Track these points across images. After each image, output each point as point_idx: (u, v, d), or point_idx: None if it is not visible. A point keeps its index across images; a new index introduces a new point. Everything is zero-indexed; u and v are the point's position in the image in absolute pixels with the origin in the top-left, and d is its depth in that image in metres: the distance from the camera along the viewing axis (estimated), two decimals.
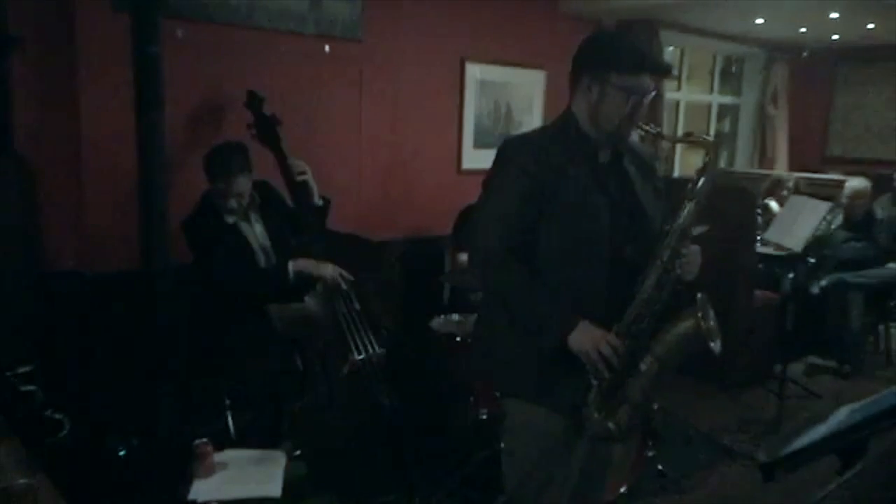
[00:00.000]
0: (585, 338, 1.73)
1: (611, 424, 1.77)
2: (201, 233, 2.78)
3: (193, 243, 2.80)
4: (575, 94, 1.88)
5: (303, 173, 2.96)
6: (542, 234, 1.80)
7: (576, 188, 1.79)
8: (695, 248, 1.85)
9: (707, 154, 1.82)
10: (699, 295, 1.77)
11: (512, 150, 1.87)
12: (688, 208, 1.79)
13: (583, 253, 1.79)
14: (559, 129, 1.90)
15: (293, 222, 2.99)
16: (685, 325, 1.75)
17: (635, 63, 1.79)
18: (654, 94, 1.85)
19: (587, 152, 1.85)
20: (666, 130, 5.89)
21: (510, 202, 1.81)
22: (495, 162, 1.89)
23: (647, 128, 1.86)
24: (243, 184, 2.79)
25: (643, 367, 1.75)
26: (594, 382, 1.76)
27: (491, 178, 1.91)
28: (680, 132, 6.54)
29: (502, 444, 2.02)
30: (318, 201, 3.02)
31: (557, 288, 1.79)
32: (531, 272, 1.80)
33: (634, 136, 1.95)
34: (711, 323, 1.77)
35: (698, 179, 1.80)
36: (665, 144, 6.10)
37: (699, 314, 1.73)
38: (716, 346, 1.75)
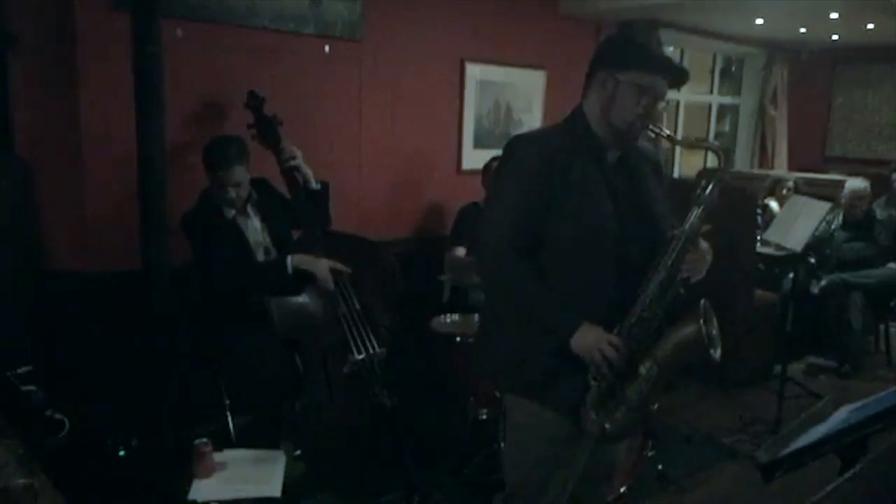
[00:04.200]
0: (588, 338, 1.73)
1: (607, 425, 1.76)
2: (200, 227, 2.79)
3: (193, 238, 2.81)
4: (588, 92, 1.87)
5: (293, 158, 2.96)
6: (548, 234, 1.78)
7: (583, 188, 1.77)
8: (704, 247, 1.84)
9: (718, 160, 1.82)
10: (703, 301, 1.76)
11: (519, 147, 1.86)
12: (695, 213, 1.78)
13: (588, 253, 1.77)
14: (568, 127, 1.88)
15: (293, 216, 3.00)
16: (687, 331, 1.74)
17: (655, 63, 1.79)
18: (666, 102, 1.86)
19: (595, 152, 1.84)
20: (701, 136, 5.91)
21: (517, 200, 1.80)
22: (502, 159, 1.88)
23: (659, 130, 1.84)
24: (241, 174, 2.80)
25: (643, 370, 1.74)
26: (593, 383, 1.76)
27: (497, 176, 1.90)
28: (680, 132, 6.55)
29: (503, 442, 2.03)
30: (316, 185, 3.02)
31: (563, 287, 1.78)
32: (536, 271, 1.79)
33: (643, 138, 1.93)
34: (714, 331, 1.75)
35: (707, 185, 1.79)
36: (665, 145, 6.11)
37: (701, 321, 1.72)
38: (716, 353, 1.74)
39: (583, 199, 1.77)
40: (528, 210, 1.78)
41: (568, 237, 1.77)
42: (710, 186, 1.78)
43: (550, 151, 1.79)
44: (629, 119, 1.79)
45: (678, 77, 1.86)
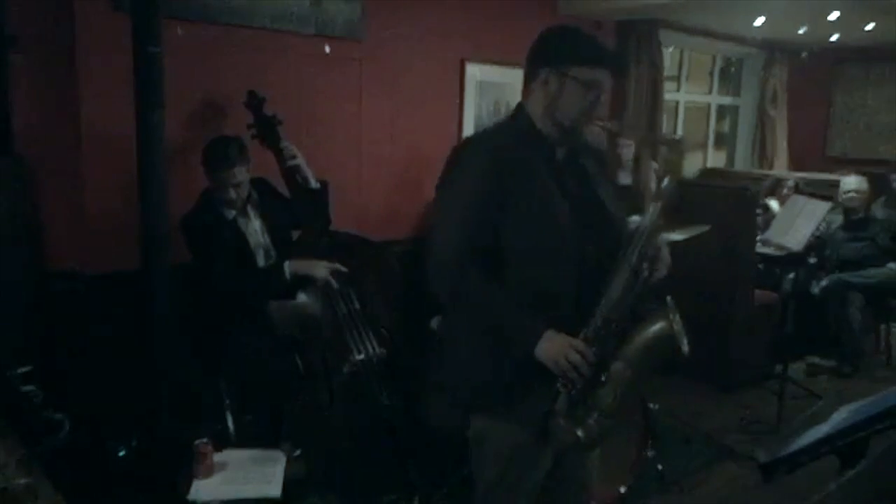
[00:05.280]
0: (552, 346, 1.67)
1: (579, 432, 1.70)
2: (200, 230, 2.79)
3: (192, 240, 2.81)
4: (530, 90, 1.82)
5: (293, 157, 2.96)
6: (503, 238, 1.72)
7: (535, 188, 1.72)
8: (662, 246, 1.80)
9: (672, 153, 1.79)
10: (668, 298, 1.73)
11: (466, 152, 1.80)
12: (653, 209, 1.74)
13: (547, 255, 1.72)
14: (513, 127, 1.83)
15: (293, 216, 3.00)
16: (656, 328, 1.71)
17: (597, 56, 1.75)
18: (607, 91, 1.78)
19: (544, 151, 1.79)
20: (666, 131, 5.90)
21: (467, 208, 1.74)
22: (448, 166, 1.84)
23: (604, 124, 1.79)
24: (242, 174, 2.81)
25: (613, 372, 1.70)
26: (562, 391, 1.70)
27: (445, 184, 1.85)
28: (680, 132, 6.54)
29: (471, 458, 1.94)
30: (315, 184, 3.02)
31: (523, 292, 1.72)
32: (493, 279, 1.73)
33: (591, 133, 1.88)
34: (680, 326, 1.72)
35: (663, 178, 1.76)
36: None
37: (670, 316, 1.70)
38: (684, 347, 1.72)
39: (536, 199, 1.72)
40: (479, 216, 1.72)
41: (525, 240, 1.72)
42: (666, 180, 1.76)
43: (498, 154, 1.74)
44: (575, 115, 1.76)
45: (620, 68, 1.82)
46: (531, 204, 1.72)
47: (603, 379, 1.70)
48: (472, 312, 1.79)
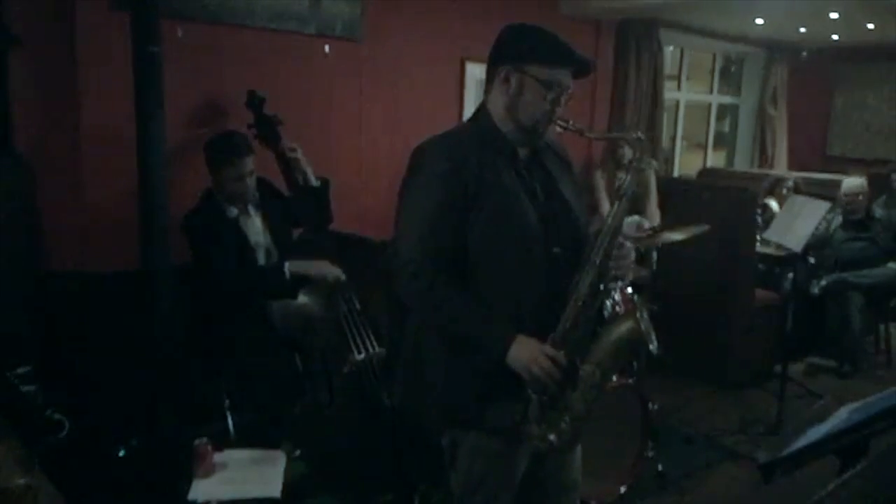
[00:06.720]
0: (523, 353, 1.64)
1: (552, 437, 1.68)
2: (202, 229, 2.79)
3: (194, 239, 2.81)
4: (491, 89, 1.78)
5: (293, 150, 2.97)
6: (469, 242, 1.68)
7: (500, 191, 1.68)
8: (626, 245, 1.77)
9: (633, 150, 1.75)
10: (635, 296, 1.73)
11: (427, 155, 1.74)
12: (616, 207, 1.72)
13: (514, 257, 1.68)
14: (474, 128, 1.79)
15: (294, 215, 3.01)
16: (624, 328, 1.70)
17: (558, 55, 1.71)
18: (570, 91, 1.74)
19: (507, 152, 1.75)
20: (665, 130, 5.91)
21: (430, 212, 1.68)
22: (410, 170, 1.75)
23: (567, 124, 1.74)
24: (251, 164, 2.82)
25: (583, 374, 1.68)
26: (533, 396, 1.68)
27: (407, 189, 1.76)
28: (680, 132, 6.56)
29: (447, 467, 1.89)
30: (315, 182, 3.02)
31: (490, 295, 1.69)
32: (461, 285, 1.69)
33: (551, 132, 1.83)
34: (647, 325, 1.71)
35: (625, 177, 1.73)
36: (665, 145, 6.11)
37: (637, 315, 1.68)
38: (654, 347, 1.70)
39: (502, 202, 1.68)
40: (445, 222, 1.67)
41: (491, 243, 1.68)
42: (629, 178, 1.73)
43: (461, 156, 1.69)
44: (536, 115, 1.72)
45: (582, 68, 1.76)
46: (496, 206, 1.68)
47: (573, 382, 1.68)
48: (441, 320, 1.73)
